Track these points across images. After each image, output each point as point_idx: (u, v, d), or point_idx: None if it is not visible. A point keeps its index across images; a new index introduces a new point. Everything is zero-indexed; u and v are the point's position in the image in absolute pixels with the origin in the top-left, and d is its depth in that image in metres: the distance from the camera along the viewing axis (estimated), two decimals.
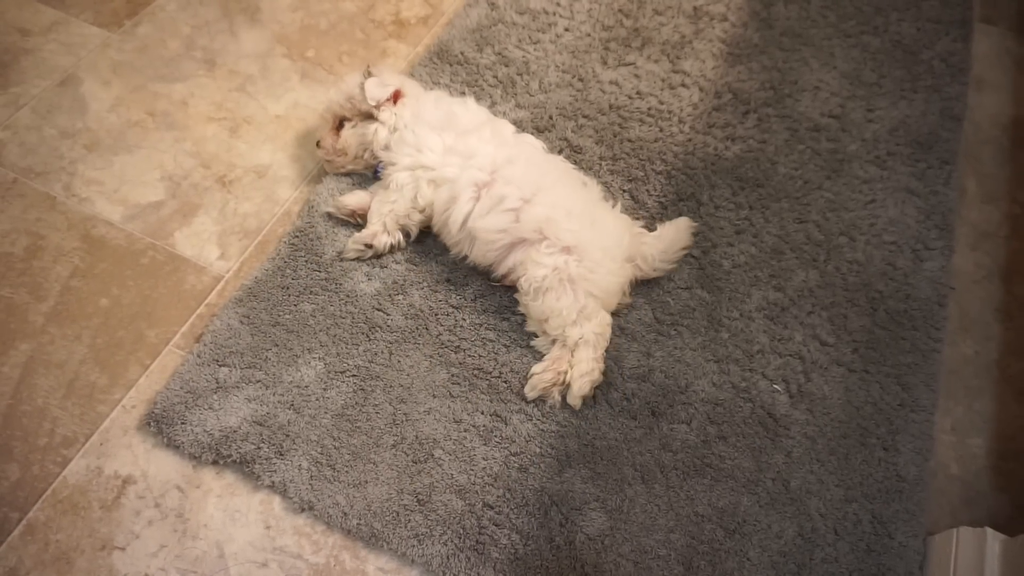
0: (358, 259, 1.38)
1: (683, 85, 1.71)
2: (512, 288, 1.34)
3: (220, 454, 1.17)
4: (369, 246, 1.35)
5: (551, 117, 1.62)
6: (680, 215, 1.48)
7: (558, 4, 1.84)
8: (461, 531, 1.13)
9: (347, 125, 1.44)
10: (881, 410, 1.29)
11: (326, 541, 1.15)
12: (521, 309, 1.33)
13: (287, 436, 1.19)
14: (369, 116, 1.42)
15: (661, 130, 1.62)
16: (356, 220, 1.41)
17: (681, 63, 1.75)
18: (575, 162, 1.53)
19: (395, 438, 1.21)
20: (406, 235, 1.38)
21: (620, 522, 1.16)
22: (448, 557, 1.11)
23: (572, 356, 1.25)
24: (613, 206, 1.37)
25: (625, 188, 1.53)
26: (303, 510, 1.15)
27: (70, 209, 1.45)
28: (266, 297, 1.32)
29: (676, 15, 1.84)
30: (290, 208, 1.49)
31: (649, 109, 1.66)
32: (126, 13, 1.76)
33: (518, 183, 1.28)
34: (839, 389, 1.31)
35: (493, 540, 1.13)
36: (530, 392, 1.25)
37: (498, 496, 1.17)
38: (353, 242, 1.36)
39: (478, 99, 1.61)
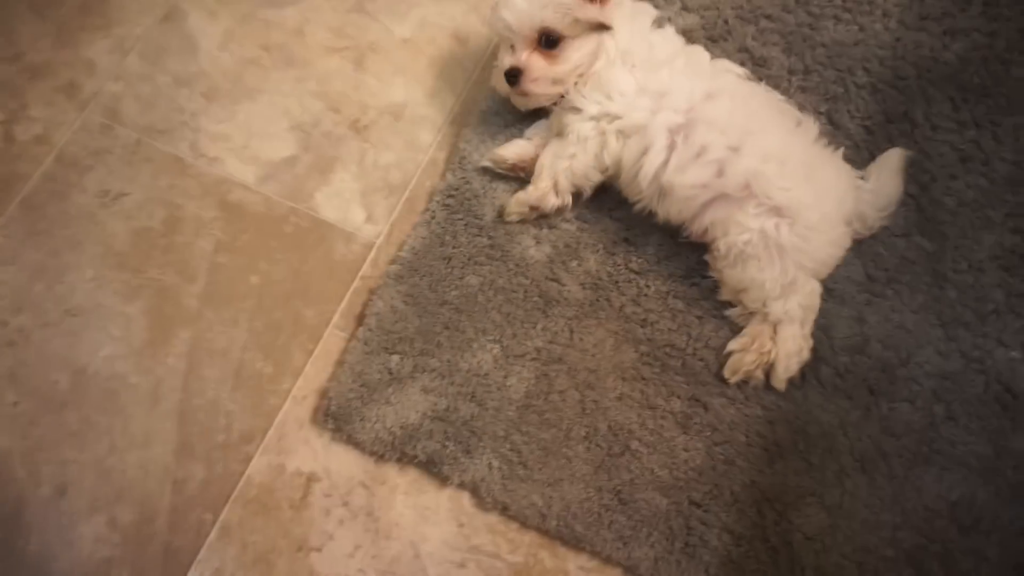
0: (521, 222, 1.19)
1: None
2: (701, 245, 1.14)
3: (405, 454, 1.08)
4: (534, 207, 1.16)
5: (726, 21, 1.32)
6: (890, 142, 1.21)
7: None
8: (668, 532, 1.03)
9: (566, 41, 1.10)
10: None
11: (522, 539, 1.07)
12: (712, 273, 1.14)
13: (472, 433, 1.08)
14: (593, 26, 1.09)
15: (861, 28, 1.31)
16: (518, 174, 1.20)
17: None
18: (757, 74, 1.25)
19: (587, 429, 1.09)
20: (577, 196, 1.17)
21: (841, 519, 1.04)
22: (656, 560, 1.02)
23: (776, 332, 1.07)
24: (834, 150, 1.12)
25: (822, 110, 1.25)
26: (498, 510, 1.06)
27: (201, 172, 1.30)
28: (428, 271, 1.17)
29: None
30: (435, 156, 1.30)
31: (845, 1, 1.33)
32: None
33: (722, 127, 1.04)
34: None
35: (703, 541, 1.03)
36: (730, 375, 1.09)
37: (705, 492, 1.05)
38: (516, 204, 1.17)
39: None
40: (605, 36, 1.08)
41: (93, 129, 1.33)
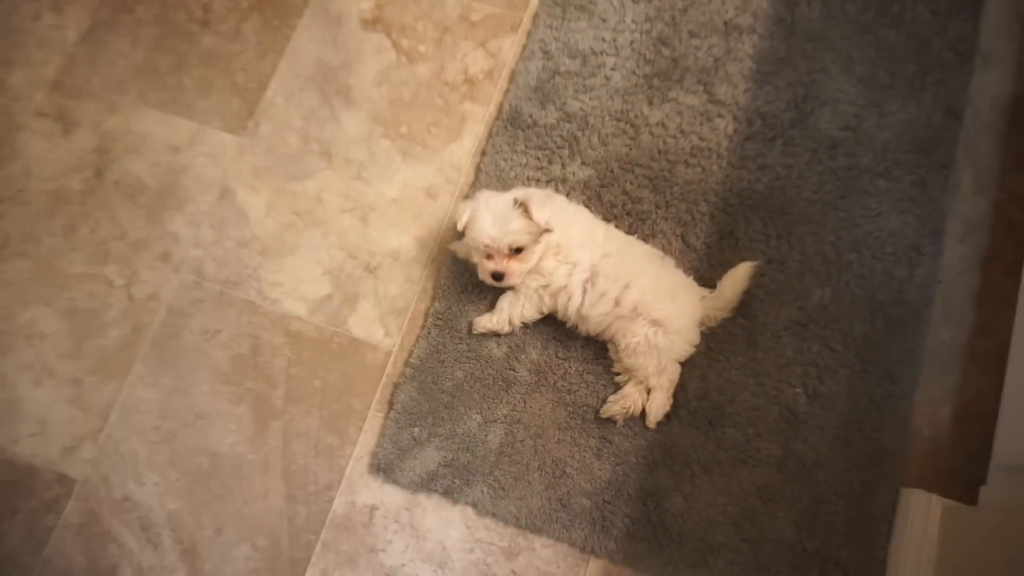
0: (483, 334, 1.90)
1: (719, 115, 2.03)
2: (602, 341, 1.86)
3: (429, 488, 1.82)
4: (492, 331, 1.87)
5: (612, 171, 2.00)
6: (722, 253, 1.92)
7: (603, 40, 2.10)
8: (591, 520, 1.79)
9: (527, 247, 1.72)
10: (873, 401, 1.83)
11: (506, 531, 1.82)
12: (611, 356, 1.86)
13: (469, 472, 1.82)
14: (541, 232, 1.73)
15: (703, 170, 1.99)
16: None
17: (715, 90, 2.05)
18: (634, 212, 1.96)
19: (539, 462, 1.83)
20: (524, 325, 1.88)
21: (692, 503, 1.80)
22: (586, 537, 1.79)
23: (648, 395, 1.80)
24: (686, 274, 1.83)
25: (677, 233, 1.95)
26: (489, 516, 1.82)
27: (268, 311, 1.98)
28: (430, 371, 1.89)
29: (709, 34, 2.09)
30: (424, 285, 1.99)
31: (692, 148, 2.01)
32: (246, 113, 2.12)
33: (614, 275, 1.73)
34: (844, 387, 1.84)
35: (612, 523, 1.79)
36: (603, 414, 1.82)
37: (612, 495, 1.81)
38: (480, 325, 1.86)
39: (549, 162, 2.01)
40: (548, 236, 1.73)
41: (188, 285, 2.01)
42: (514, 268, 1.74)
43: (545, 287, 1.77)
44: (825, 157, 1.99)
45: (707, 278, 1.88)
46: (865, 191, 1.96)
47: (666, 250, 1.93)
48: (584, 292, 1.76)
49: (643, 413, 1.82)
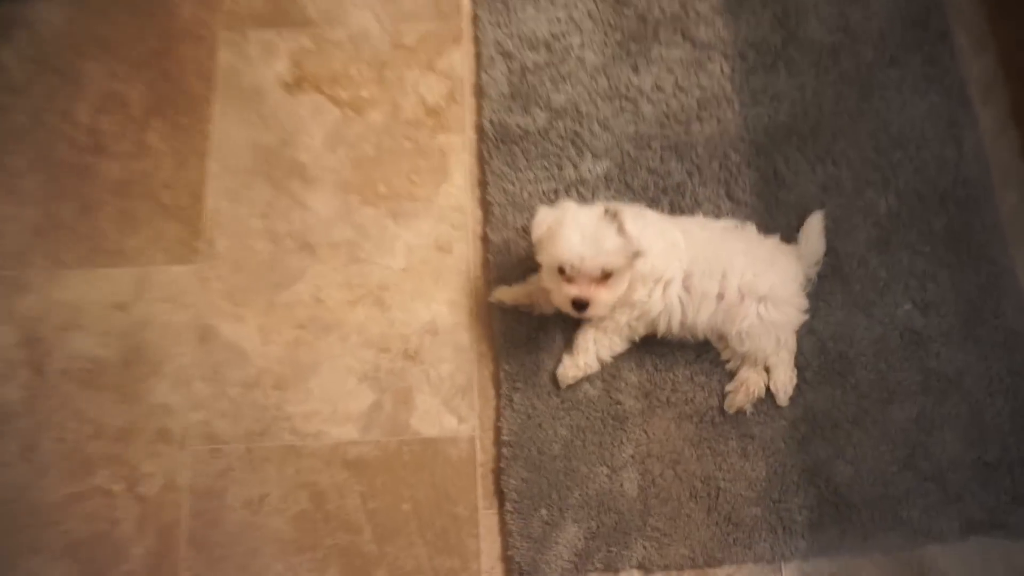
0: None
1: (709, 60, 2.02)
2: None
3: (585, 569, 1.69)
4: (584, 377, 1.77)
5: (628, 154, 1.95)
6: (775, 196, 1.91)
7: (559, 20, 2.05)
8: (769, 527, 1.72)
9: (617, 273, 1.57)
10: (982, 288, 1.87)
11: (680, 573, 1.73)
12: (716, 346, 1.80)
13: (622, 533, 1.71)
14: (631, 257, 1.58)
15: (719, 121, 1.98)
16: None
17: (695, 35, 2.04)
18: (669, 189, 1.92)
19: (688, 490, 1.74)
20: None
21: (859, 463, 1.76)
22: (771, 547, 1.71)
23: (769, 373, 1.76)
24: (769, 236, 1.79)
25: (721, 193, 1.92)
26: (662, 570, 1.71)
27: (314, 448, 1.78)
28: (529, 444, 1.75)
29: None
30: (481, 350, 1.85)
31: (698, 102, 1.99)
32: (190, 235, 1.91)
33: (707, 271, 1.67)
34: (949, 286, 1.87)
35: (792, 521, 1.72)
36: (729, 409, 1.77)
37: (779, 491, 1.74)
38: (570, 377, 1.76)
39: (559, 168, 1.93)
40: (637, 262, 1.59)
41: (204, 458, 1.77)
42: (602, 297, 1.59)
43: (639, 317, 1.69)
44: (830, 65, 2.02)
45: (773, 227, 1.86)
46: (882, 85, 2.01)
47: (717, 214, 1.90)
48: (684, 303, 1.69)
49: (768, 392, 1.78)
